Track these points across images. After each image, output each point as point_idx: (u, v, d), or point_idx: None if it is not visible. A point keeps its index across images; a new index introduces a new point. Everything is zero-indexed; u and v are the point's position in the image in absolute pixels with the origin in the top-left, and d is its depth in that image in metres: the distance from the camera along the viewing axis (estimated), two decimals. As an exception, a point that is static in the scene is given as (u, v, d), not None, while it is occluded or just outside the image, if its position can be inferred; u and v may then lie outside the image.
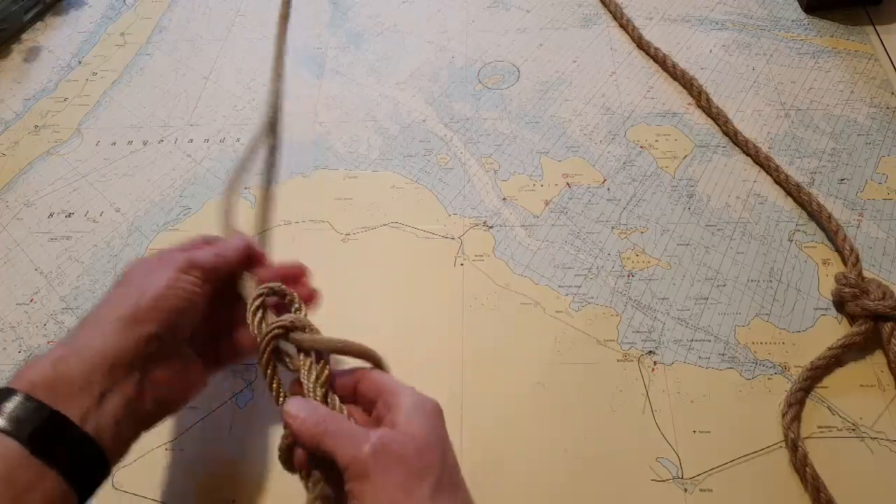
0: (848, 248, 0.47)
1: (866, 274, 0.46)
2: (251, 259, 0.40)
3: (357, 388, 0.35)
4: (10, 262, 0.53)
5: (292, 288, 0.39)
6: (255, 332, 0.36)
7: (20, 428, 0.28)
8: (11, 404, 0.29)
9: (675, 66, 0.61)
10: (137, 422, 0.33)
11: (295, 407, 0.33)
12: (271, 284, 0.38)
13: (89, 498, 0.30)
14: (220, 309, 0.39)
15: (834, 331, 0.45)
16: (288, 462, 0.34)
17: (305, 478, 0.33)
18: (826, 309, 0.46)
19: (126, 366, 0.32)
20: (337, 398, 0.35)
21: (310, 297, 0.41)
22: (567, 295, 0.48)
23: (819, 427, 0.41)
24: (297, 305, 0.38)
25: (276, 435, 0.43)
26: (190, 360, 0.37)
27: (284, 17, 0.68)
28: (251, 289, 0.38)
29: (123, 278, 0.36)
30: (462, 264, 0.50)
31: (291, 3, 0.73)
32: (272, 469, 0.42)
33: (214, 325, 0.39)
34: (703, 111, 0.59)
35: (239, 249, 0.40)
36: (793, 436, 0.39)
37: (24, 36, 0.73)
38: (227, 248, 0.39)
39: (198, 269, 0.36)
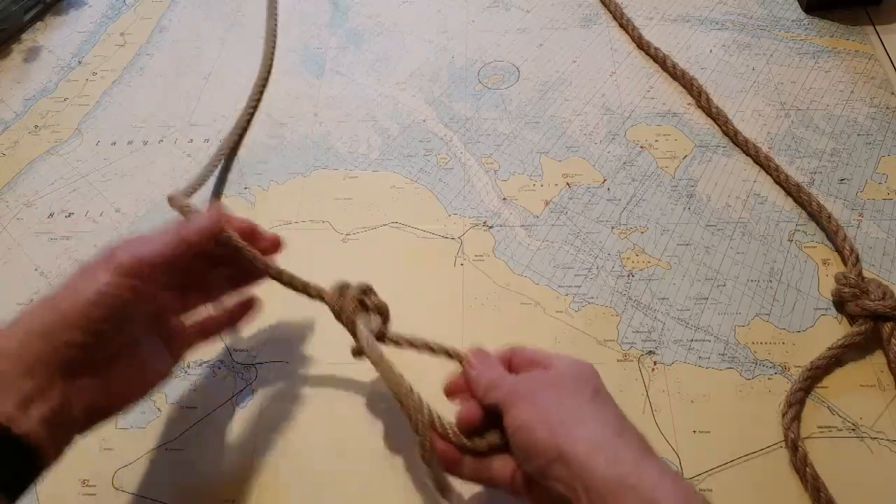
0: (848, 248, 0.47)
1: (866, 274, 0.46)
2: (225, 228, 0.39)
3: (511, 362, 0.37)
4: (10, 262, 0.53)
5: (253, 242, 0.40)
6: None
7: None
8: None
9: (675, 66, 0.61)
10: (67, 427, 0.31)
11: (476, 357, 0.37)
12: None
13: (20, 497, 0.29)
14: (202, 280, 0.39)
15: (834, 331, 0.45)
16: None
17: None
18: (826, 309, 0.46)
19: (45, 374, 0.30)
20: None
21: (276, 245, 0.42)
22: (567, 295, 0.48)
23: (819, 427, 0.41)
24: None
25: (276, 435, 0.43)
26: (145, 354, 0.35)
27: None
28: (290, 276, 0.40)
29: (76, 271, 0.34)
30: (462, 264, 0.50)
31: (291, 10, 0.73)
32: (272, 469, 0.42)
33: (192, 299, 0.39)
34: (703, 111, 0.59)
35: (203, 230, 0.37)
36: (793, 436, 0.39)
37: (24, 36, 0.73)
38: (188, 231, 0.37)
39: (145, 267, 0.34)
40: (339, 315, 0.39)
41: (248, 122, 0.61)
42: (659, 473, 0.28)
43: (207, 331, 0.41)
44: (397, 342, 0.39)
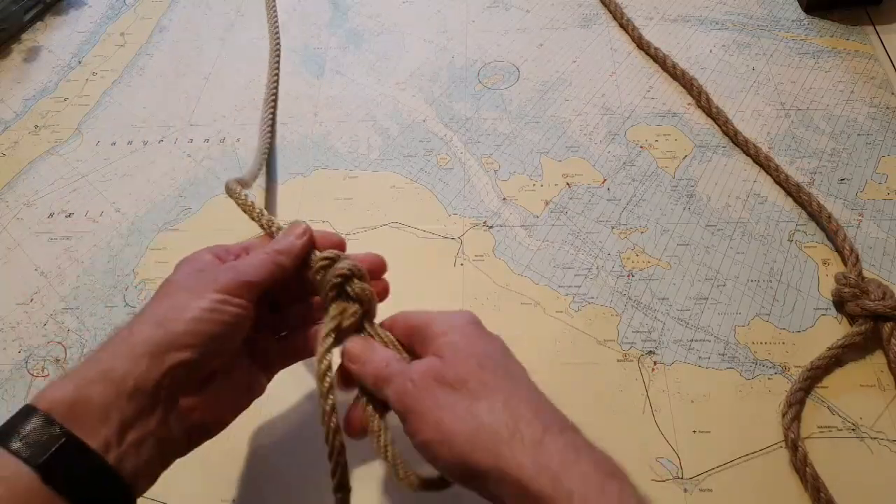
0: (848, 248, 0.47)
1: (866, 274, 0.46)
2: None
3: (393, 331, 0.35)
4: (10, 262, 0.53)
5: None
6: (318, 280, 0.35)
7: (35, 453, 0.26)
8: (30, 426, 0.27)
9: (675, 66, 0.61)
10: (164, 452, 0.30)
11: (357, 348, 0.33)
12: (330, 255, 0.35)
13: None
14: (285, 303, 0.37)
15: (834, 331, 0.45)
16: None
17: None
18: (826, 309, 0.46)
19: (150, 395, 0.29)
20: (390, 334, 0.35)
21: (384, 292, 0.39)
22: (567, 295, 0.48)
23: (819, 427, 0.41)
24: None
25: (276, 435, 0.43)
26: (239, 374, 0.34)
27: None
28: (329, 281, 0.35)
29: (167, 287, 0.33)
30: (462, 264, 0.50)
31: (291, 10, 0.73)
32: (272, 468, 0.42)
33: (279, 323, 0.37)
34: (703, 111, 0.59)
35: (300, 251, 0.35)
36: (793, 436, 0.39)
37: (24, 36, 0.73)
38: (286, 251, 0.35)
39: (246, 287, 0.32)
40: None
41: (273, 117, 0.60)
42: (561, 465, 0.26)
43: (299, 349, 0.38)
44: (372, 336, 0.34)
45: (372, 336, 0.34)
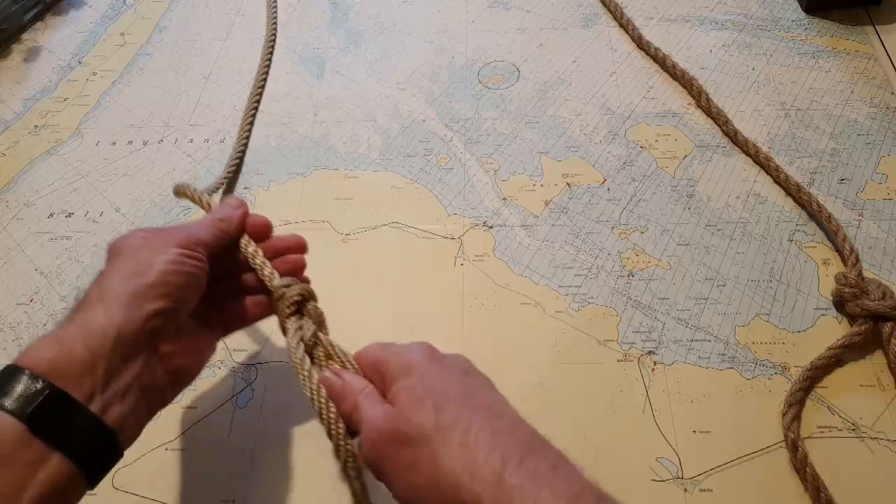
0: (848, 248, 0.47)
1: (866, 274, 0.46)
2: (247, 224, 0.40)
3: (364, 371, 0.34)
4: (10, 262, 0.53)
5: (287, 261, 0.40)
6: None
7: (20, 406, 0.27)
8: (16, 383, 0.28)
9: (675, 66, 0.61)
10: (149, 400, 0.32)
11: (332, 385, 0.33)
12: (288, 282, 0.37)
13: (100, 479, 0.30)
14: (221, 277, 0.39)
15: (834, 331, 0.45)
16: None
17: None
18: (826, 309, 0.46)
19: (132, 343, 0.31)
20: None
21: (300, 247, 0.41)
22: (567, 295, 0.48)
23: (819, 427, 0.41)
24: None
25: (276, 435, 0.43)
26: (195, 331, 0.36)
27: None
28: (253, 254, 0.38)
29: (117, 251, 0.34)
30: (462, 264, 0.50)
31: (291, 10, 0.73)
32: (272, 469, 0.42)
33: (216, 294, 0.39)
34: (703, 111, 0.59)
35: (239, 219, 0.39)
36: (793, 436, 0.39)
37: (24, 36, 0.73)
38: (226, 219, 0.38)
39: (200, 244, 0.35)
40: (276, 311, 0.38)
41: (252, 122, 0.61)
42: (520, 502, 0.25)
43: (234, 318, 0.40)
44: (327, 354, 0.35)
45: (327, 353, 0.35)
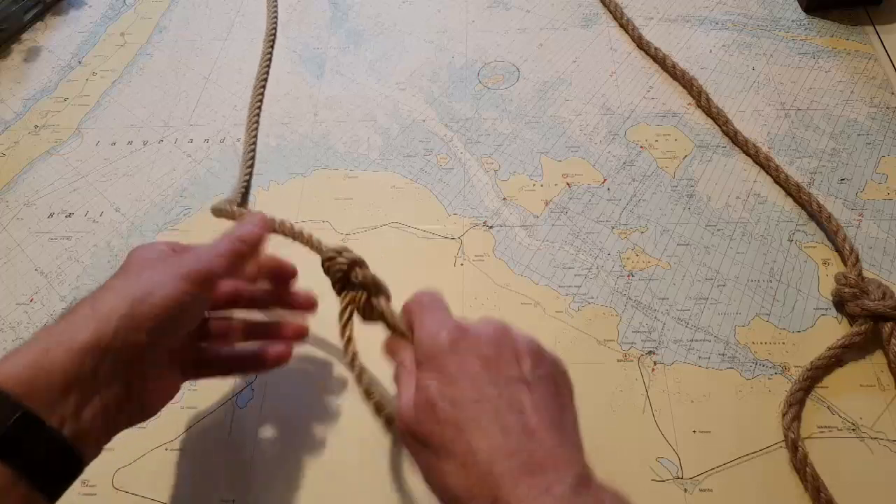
0: (848, 248, 0.47)
1: (866, 274, 0.46)
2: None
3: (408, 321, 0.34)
4: (10, 262, 0.53)
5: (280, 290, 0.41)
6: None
7: None
8: None
9: (675, 66, 0.61)
10: (114, 426, 0.31)
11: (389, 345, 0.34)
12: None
13: (58, 498, 0.28)
14: (216, 306, 0.38)
15: (834, 331, 0.45)
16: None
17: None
18: (826, 309, 0.46)
19: (112, 367, 0.30)
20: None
21: (308, 305, 0.41)
22: (567, 295, 0.48)
23: (819, 427, 0.41)
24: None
25: (276, 434, 0.43)
26: (168, 367, 0.34)
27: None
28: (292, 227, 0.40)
29: (128, 263, 0.34)
30: (462, 264, 0.50)
31: (291, 10, 0.73)
32: (272, 469, 0.42)
33: (202, 330, 0.37)
34: (703, 111, 0.59)
35: (256, 240, 0.37)
36: (793, 436, 0.39)
37: (24, 36, 0.73)
38: (248, 238, 0.37)
39: (207, 276, 0.34)
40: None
41: (257, 123, 0.61)
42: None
43: (231, 363, 0.39)
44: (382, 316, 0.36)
45: (385, 315, 0.36)
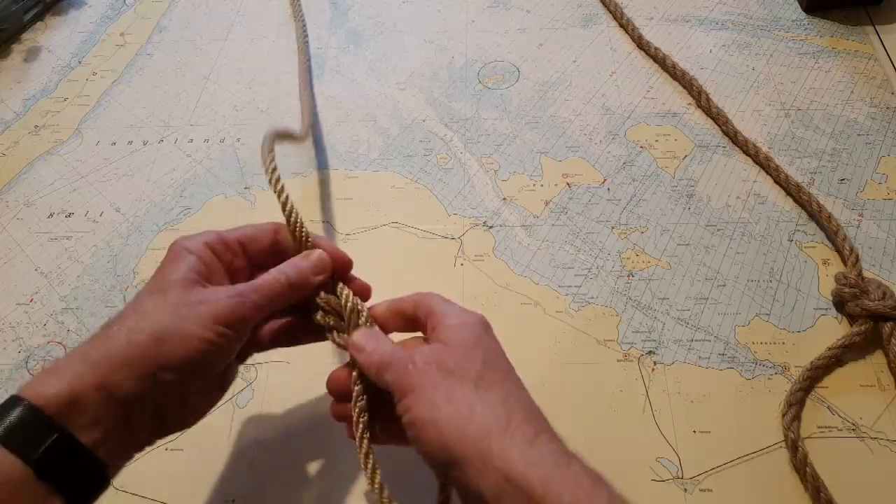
0: (848, 248, 0.47)
1: (866, 274, 0.46)
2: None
3: (414, 312, 0.35)
4: (10, 262, 0.53)
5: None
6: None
7: (30, 448, 0.26)
8: (25, 422, 0.27)
9: (675, 66, 0.61)
10: (141, 447, 0.31)
11: (362, 338, 0.33)
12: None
13: None
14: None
15: (834, 331, 0.45)
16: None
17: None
18: (826, 309, 0.46)
19: (140, 405, 0.30)
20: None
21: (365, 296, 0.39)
22: (567, 295, 0.48)
23: (819, 427, 0.41)
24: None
25: (276, 434, 0.43)
26: (204, 388, 0.34)
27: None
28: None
29: (164, 281, 0.32)
30: (462, 264, 0.50)
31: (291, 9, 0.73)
32: (272, 469, 0.42)
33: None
34: (703, 111, 0.59)
35: (311, 290, 0.35)
36: (793, 436, 0.39)
37: (24, 36, 0.73)
38: (297, 285, 0.34)
39: (245, 321, 0.32)
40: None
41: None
42: (553, 466, 0.27)
43: (277, 336, 0.38)
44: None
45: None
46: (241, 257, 0.36)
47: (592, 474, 0.27)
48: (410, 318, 0.35)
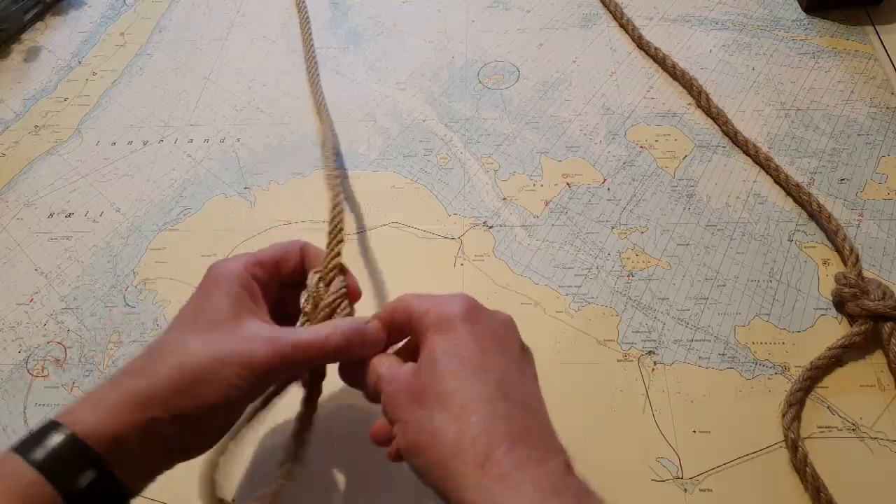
0: (848, 248, 0.47)
1: (866, 274, 0.46)
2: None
3: (396, 321, 0.34)
4: (10, 262, 0.53)
5: None
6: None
7: (69, 481, 0.27)
8: (63, 449, 0.27)
9: (675, 66, 0.61)
10: (160, 473, 0.32)
11: (385, 367, 0.33)
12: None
13: None
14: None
15: (834, 331, 0.45)
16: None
17: None
18: (826, 309, 0.46)
19: (170, 442, 0.31)
20: None
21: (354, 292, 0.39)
22: (567, 295, 0.48)
23: (819, 427, 0.41)
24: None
25: (276, 434, 0.43)
26: (223, 427, 0.35)
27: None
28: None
29: (206, 311, 0.33)
30: (462, 264, 0.50)
31: (291, 10, 0.73)
32: (273, 469, 0.42)
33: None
34: (703, 111, 0.59)
35: (346, 356, 0.35)
36: (793, 436, 0.39)
37: (24, 36, 0.73)
38: (334, 351, 0.34)
39: (272, 377, 0.33)
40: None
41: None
42: (502, 487, 0.26)
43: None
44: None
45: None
46: (275, 276, 0.37)
47: (548, 484, 0.26)
48: (398, 328, 0.35)
